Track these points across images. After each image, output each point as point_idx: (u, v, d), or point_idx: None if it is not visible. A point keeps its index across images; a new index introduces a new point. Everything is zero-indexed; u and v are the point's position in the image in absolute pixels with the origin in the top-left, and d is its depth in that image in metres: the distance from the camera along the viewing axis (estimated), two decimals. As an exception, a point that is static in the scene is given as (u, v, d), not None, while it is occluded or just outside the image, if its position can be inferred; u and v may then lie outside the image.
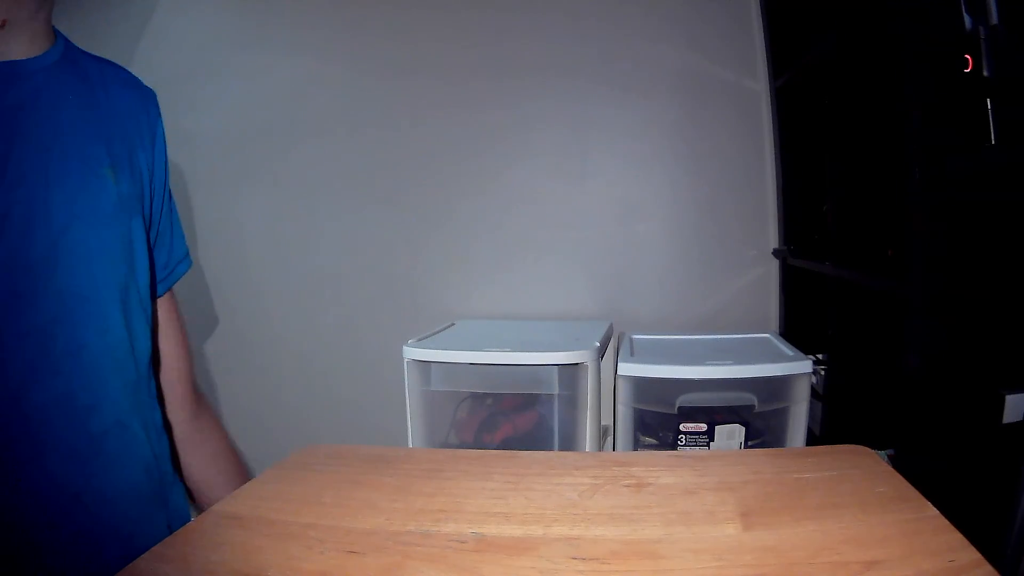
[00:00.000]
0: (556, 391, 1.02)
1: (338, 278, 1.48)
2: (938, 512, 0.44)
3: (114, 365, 0.63)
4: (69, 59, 0.64)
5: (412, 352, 1.04)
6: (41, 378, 0.57)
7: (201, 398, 0.81)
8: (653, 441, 1.02)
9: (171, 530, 0.57)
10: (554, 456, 0.62)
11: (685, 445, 0.99)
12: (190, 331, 1.56)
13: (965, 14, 0.66)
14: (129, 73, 0.72)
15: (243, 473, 0.81)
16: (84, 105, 0.64)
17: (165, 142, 0.73)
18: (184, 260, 0.79)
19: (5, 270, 0.55)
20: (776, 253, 1.32)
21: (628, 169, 1.38)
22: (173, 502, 0.70)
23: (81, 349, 0.60)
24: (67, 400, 0.59)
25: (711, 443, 0.98)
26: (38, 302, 0.57)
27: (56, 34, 0.64)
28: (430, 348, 1.05)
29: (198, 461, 0.77)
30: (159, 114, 0.73)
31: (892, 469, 0.53)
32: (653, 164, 1.37)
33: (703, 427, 0.98)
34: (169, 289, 0.77)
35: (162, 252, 0.74)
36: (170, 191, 0.76)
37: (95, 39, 1.41)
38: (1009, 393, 0.69)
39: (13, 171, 0.55)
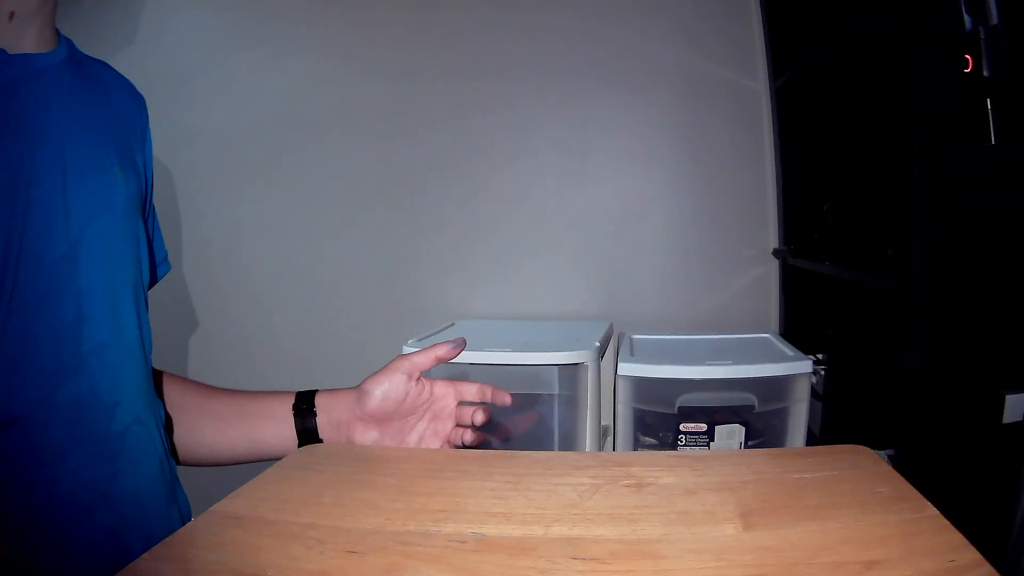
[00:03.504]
0: (556, 391, 1.02)
1: (338, 278, 1.48)
2: (938, 512, 0.44)
3: (130, 362, 0.64)
4: (74, 58, 0.64)
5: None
6: (69, 376, 0.58)
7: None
8: (653, 441, 1.02)
9: (183, 524, 0.57)
10: (554, 456, 0.62)
11: (685, 445, 0.99)
12: (188, 331, 1.57)
13: (965, 14, 0.66)
14: (124, 76, 0.72)
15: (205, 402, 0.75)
16: (91, 105, 0.64)
17: (152, 146, 0.74)
18: (165, 262, 0.79)
19: (31, 268, 0.55)
20: (776, 253, 1.32)
21: (628, 169, 1.38)
22: (180, 496, 0.71)
23: (104, 347, 0.61)
24: (92, 398, 0.59)
25: (711, 443, 0.98)
26: (63, 301, 0.58)
27: (58, 33, 0.64)
28: (430, 348, 1.05)
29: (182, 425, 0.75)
30: (148, 119, 0.74)
31: (892, 469, 0.53)
32: (653, 164, 1.37)
33: (703, 427, 0.98)
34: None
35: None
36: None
37: (95, 38, 1.41)
38: (1009, 393, 0.69)
39: (32, 168, 0.56)
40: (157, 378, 0.76)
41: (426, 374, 0.70)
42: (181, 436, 0.74)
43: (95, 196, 0.61)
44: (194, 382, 0.78)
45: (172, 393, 0.75)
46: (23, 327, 0.55)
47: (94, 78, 0.67)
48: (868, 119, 0.94)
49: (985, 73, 0.66)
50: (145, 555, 0.44)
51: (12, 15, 0.57)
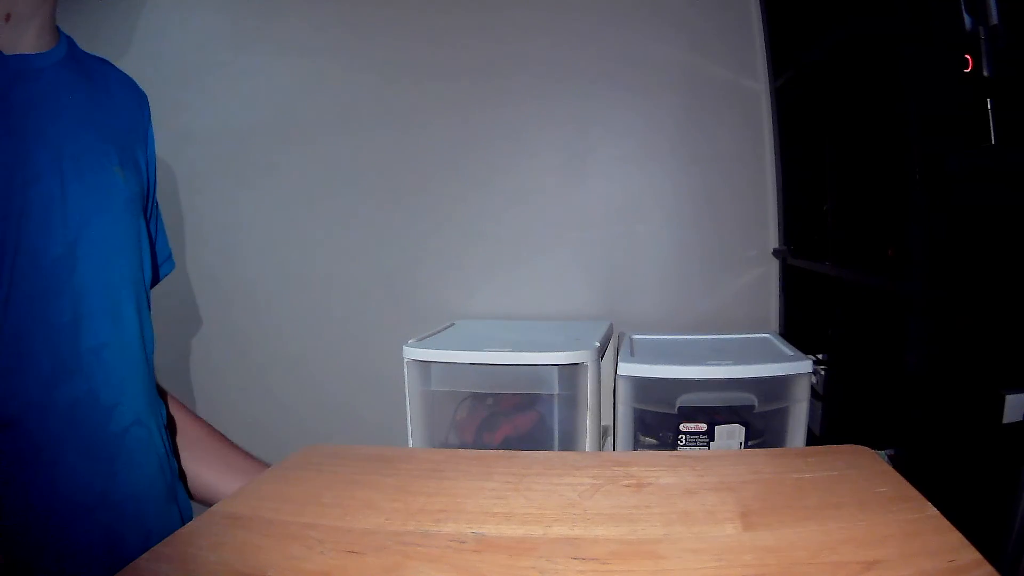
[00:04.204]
0: (556, 391, 1.02)
1: (338, 278, 1.48)
2: (938, 512, 0.44)
3: (130, 363, 0.64)
4: (73, 57, 0.64)
5: (412, 352, 1.04)
6: (66, 377, 0.58)
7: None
8: (653, 441, 1.02)
9: (183, 524, 0.57)
10: (554, 456, 0.62)
11: (685, 445, 0.99)
12: (189, 331, 1.57)
13: (965, 14, 0.66)
14: (125, 73, 0.72)
15: (228, 453, 0.78)
16: (91, 103, 0.64)
17: (154, 143, 0.74)
18: (168, 261, 0.79)
19: (27, 268, 0.55)
20: (776, 253, 1.32)
21: (628, 169, 1.38)
22: (181, 496, 0.71)
23: (103, 348, 0.61)
24: (91, 399, 0.59)
25: (711, 443, 0.98)
26: (61, 300, 0.58)
27: (59, 31, 0.64)
28: (430, 348, 1.05)
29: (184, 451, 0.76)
30: (150, 115, 0.73)
31: (892, 469, 0.53)
32: (653, 164, 1.37)
33: (703, 427, 0.98)
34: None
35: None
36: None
37: (95, 37, 1.41)
38: (1009, 393, 0.69)
39: (30, 168, 0.56)
40: (198, 424, 0.77)
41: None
42: (210, 480, 0.75)
43: (94, 195, 0.61)
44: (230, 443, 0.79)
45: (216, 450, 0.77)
46: (20, 328, 0.55)
47: (94, 76, 0.67)
48: (868, 119, 0.94)
49: (985, 73, 0.66)
50: (145, 555, 0.44)
51: (8, 17, 0.57)
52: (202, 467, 0.75)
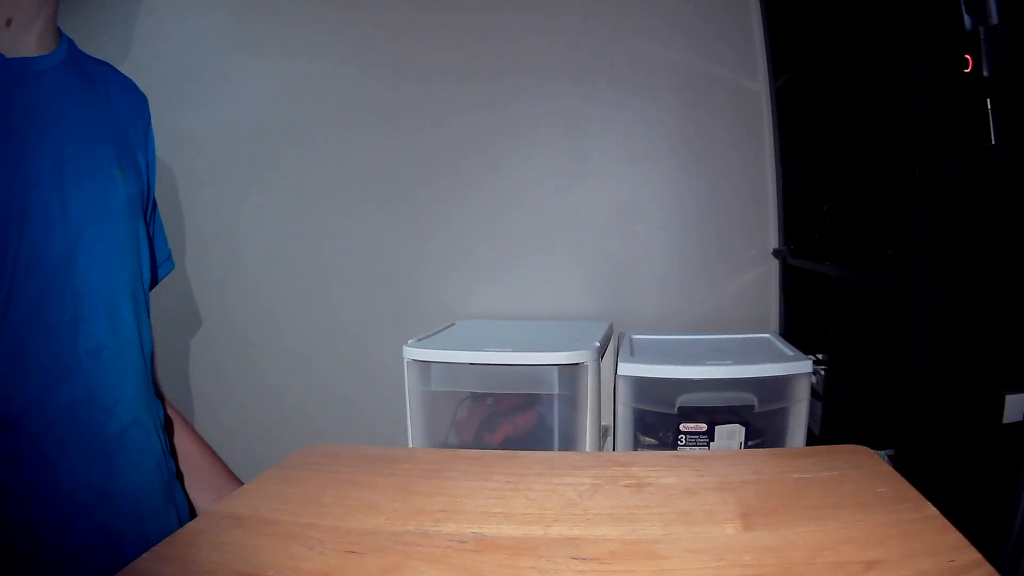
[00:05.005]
0: (556, 391, 1.02)
1: (338, 278, 1.48)
2: (938, 512, 0.45)
3: (128, 364, 0.65)
4: (74, 59, 0.64)
5: (412, 352, 1.04)
6: (65, 377, 0.58)
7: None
8: (653, 441, 1.02)
9: (181, 524, 0.57)
10: (554, 456, 0.62)
11: (685, 445, 0.99)
12: (189, 331, 1.57)
13: (965, 14, 0.66)
14: (125, 75, 0.73)
15: (212, 462, 0.79)
16: (91, 106, 0.64)
17: (155, 145, 0.74)
18: (167, 261, 0.80)
19: (27, 270, 0.55)
20: (776, 253, 1.32)
21: (628, 169, 1.38)
22: (179, 496, 0.71)
23: (101, 349, 0.61)
24: (89, 399, 0.60)
25: (711, 443, 0.98)
26: (60, 302, 0.58)
27: (60, 33, 0.64)
28: (430, 348, 1.05)
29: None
30: (150, 117, 0.74)
31: (892, 469, 0.53)
32: (653, 164, 1.37)
33: (703, 427, 0.98)
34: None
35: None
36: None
37: (95, 38, 1.41)
38: (1009, 393, 0.69)
39: (30, 170, 0.56)
40: (193, 443, 0.77)
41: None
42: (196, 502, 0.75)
43: (93, 198, 0.61)
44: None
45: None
46: (20, 329, 0.55)
47: (95, 78, 0.67)
48: (868, 119, 0.94)
49: (985, 73, 0.65)
50: (145, 555, 0.44)
51: (9, 22, 0.58)
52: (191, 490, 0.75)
